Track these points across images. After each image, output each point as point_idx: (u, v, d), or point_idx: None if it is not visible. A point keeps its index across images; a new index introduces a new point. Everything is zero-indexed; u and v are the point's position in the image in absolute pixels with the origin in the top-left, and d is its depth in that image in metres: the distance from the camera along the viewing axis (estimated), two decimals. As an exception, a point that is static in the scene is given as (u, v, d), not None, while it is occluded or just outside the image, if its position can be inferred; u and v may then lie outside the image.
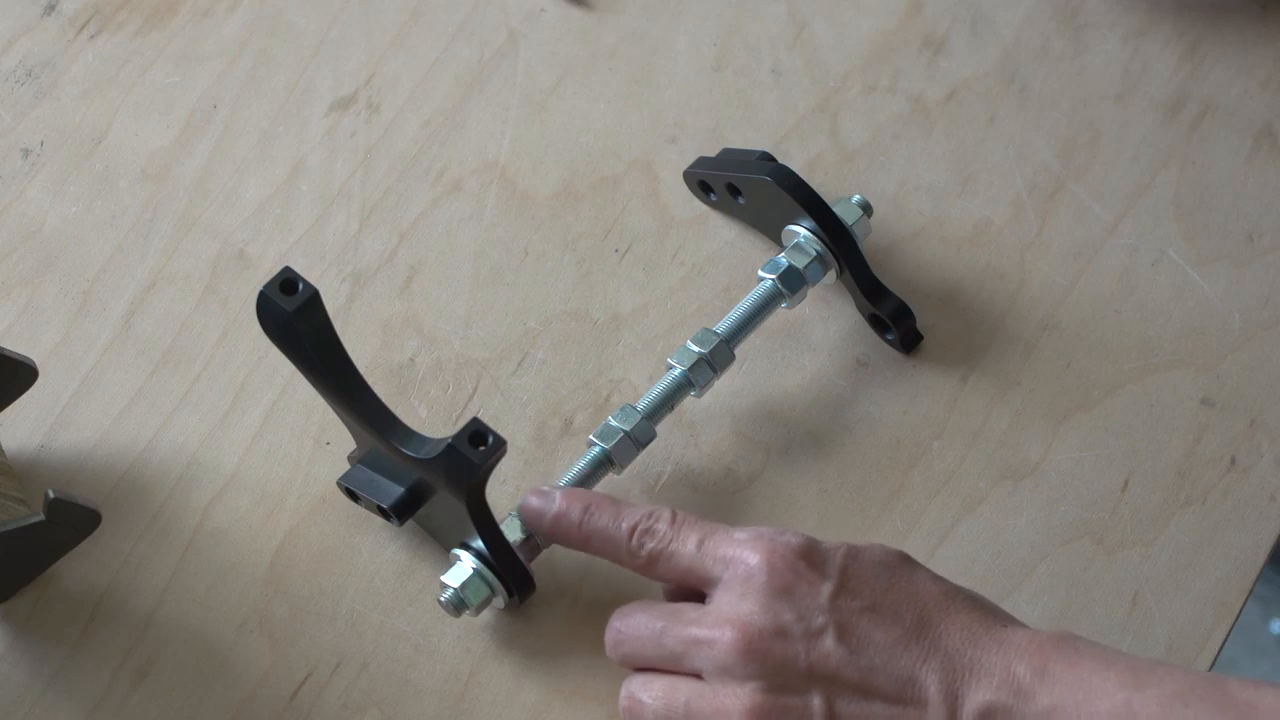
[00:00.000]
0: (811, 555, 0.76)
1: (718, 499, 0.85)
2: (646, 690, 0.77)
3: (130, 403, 0.87)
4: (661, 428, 0.85)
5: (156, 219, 0.91)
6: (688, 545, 0.77)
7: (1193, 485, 0.86)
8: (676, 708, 0.76)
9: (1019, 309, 0.89)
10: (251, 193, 0.92)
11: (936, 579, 0.77)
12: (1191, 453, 0.86)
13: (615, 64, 0.95)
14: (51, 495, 0.77)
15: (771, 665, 0.74)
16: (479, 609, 0.81)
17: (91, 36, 0.96)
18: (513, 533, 0.81)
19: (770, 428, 0.87)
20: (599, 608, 0.82)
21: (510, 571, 0.80)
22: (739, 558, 0.76)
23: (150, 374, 0.88)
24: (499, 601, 0.81)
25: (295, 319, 0.76)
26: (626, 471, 0.84)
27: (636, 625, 0.78)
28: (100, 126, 0.94)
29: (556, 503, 0.80)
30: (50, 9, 0.96)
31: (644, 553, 0.78)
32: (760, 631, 0.75)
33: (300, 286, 0.76)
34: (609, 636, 0.79)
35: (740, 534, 0.77)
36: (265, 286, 0.76)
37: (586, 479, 0.83)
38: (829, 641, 0.74)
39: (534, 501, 0.81)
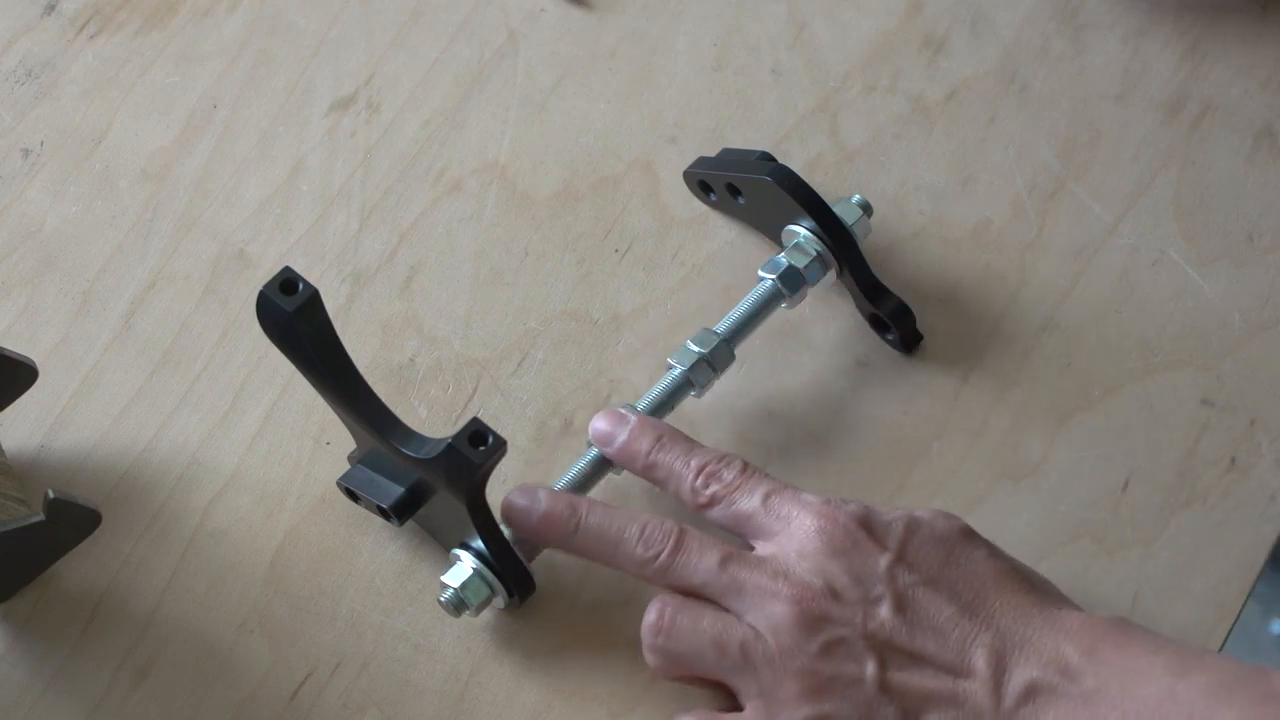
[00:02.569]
0: (871, 524, 0.77)
1: (718, 499, 0.85)
2: (688, 616, 0.77)
3: (130, 403, 0.87)
4: (661, 428, 0.85)
5: (156, 219, 0.91)
6: (753, 497, 0.79)
7: (1193, 485, 0.86)
8: (731, 653, 0.76)
9: (1019, 309, 0.89)
10: (251, 193, 0.92)
11: (994, 556, 0.78)
12: (1191, 453, 0.86)
13: (615, 64, 0.95)
14: (51, 495, 0.77)
15: (828, 628, 0.76)
16: (479, 609, 0.81)
17: (91, 36, 0.96)
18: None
19: (770, 428, 0.87)
20: (599, 608, 0.83)
21: (510, 571, 0.80)
22: (799, 520, 0.78)
23: (150, 374, 0.88)
24: (499, 601, 0.81)
25: (295, 319, 0.76)
26: (626, 472, 0.84)
27: (697, 546, 0.78)
28: (100, 126, 0.94)
29: (629, 428, 0.81)
30: (50, 9, 0.96)
31: (707, 493, 0.80)
32: (816, 593, 0.76)
33: (300, 286, 0.76)
34: (655, 543, 0.78)
35: (807, 496, 0.78)
36: (265, 286, 0.76)
37: (587, 479, 0.83)
38: (885, 610, 0.76)
39: (602, 425, 0.82)
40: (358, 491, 0.82)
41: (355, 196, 0.92)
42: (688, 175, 0.92)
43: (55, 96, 0.94)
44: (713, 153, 0.92)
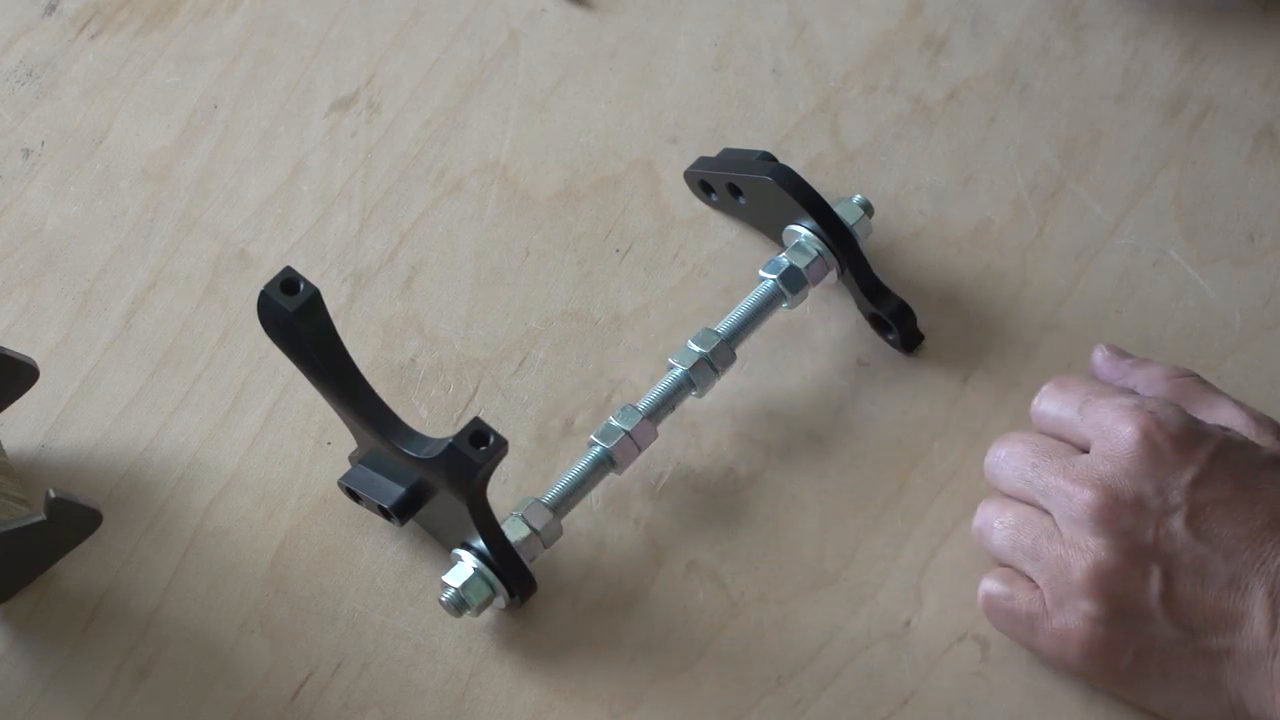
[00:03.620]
0: (1184, 439, 0.78)
1: (718, 499, 0.85)
2: (1000, 517, 0.81)
3: (131, 403, 0.87)
4: (662, 428, 0.85)
5: (157, 219, 0.91)
6: (1068, 407, 0.81)
7: (1194, 485, 0.86)
8: (1023, 544, 0.79)
9: (1020, 309, 0.89)
10: (252, 193, 0.92)
11: None
12: (1192, 453, 0.86)
13: (616, 64, 0.95)
14: (52, 495, 0.77)
15: (1120, 531, 0.77)
16: (480, 609, 0.81)
17: (92, 36, 0.96)
18: (514, 532, 0.81)
19: (771, 428, 0.87)
20: (600, 607, 0.83)
21: (511, 571, 0.80)
22: (1114, 428, 0.79)
23: (151, 374, 0.88)
24: (500, 601, 0.81)
25: (296, 319, 0.76)
26: (627, 471, 0.84)
27: (1015, 454, 0.81)
28: (101, 126, 0.94)
29: None
30: (51, 9, 0.96)
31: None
32: (1118, 498, 0.77)
33: (301, 286, 0.76)
34: (989, 458, 0.82)
35: (1123, 400, 0.80)
36: (266, 286, 0.76)
37: (587, 479, 0.83)
38: (1177, 522, 0.77)
39: None
40: (359, 491, 0.82)
41: (356, 196, 0.92)
42: (688, 175, 0.92)
43: (56, 96, 0.94)
44: (713, 153, 0.92)
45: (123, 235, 0.91)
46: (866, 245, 0.88)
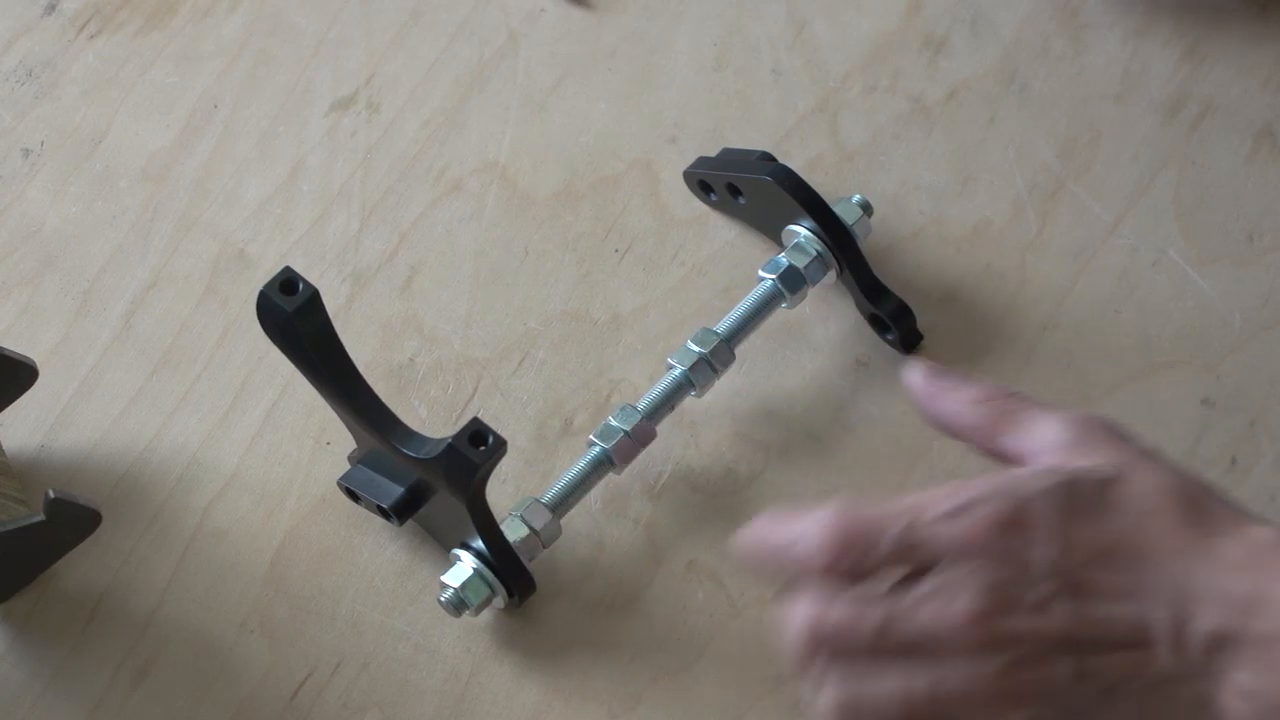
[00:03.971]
0: (1018, 522, 0.71)
1: (718, 499, 0.85)
2: (864, 685, 0.70)
3: (130, 403, 0.87)
4: (662, 428, 0.85)
5: (156, 219, 0.91)
6: (869, 551, 0.71)
7: (1193, 485, 0.86)
8: (918, 697, 0.70)
9: (1019, 309, 0.89)
10: (251, 193, 0.92)
11: (1141, 496, 0.72)
12: (1191, 453, 0.86)
13: (615, 64, 0.95)
14: (51, 495, 0.77)
15: (1005, 645, 0.70)
16: (479, 609, 0.81)
17: (92, 36, 0.96)
18: (513, 532, 0.81)
19: (770, 428, 0.87)
20: (599, 607, 0.83)
21: (510, 571, 0.80)
22: (947, 543, 0.70)
23: (150, 374, 0.88)
24: (499, 601, 0.81)
25: (295, 319, 0.76)
26: (626, 471, 0.84)
27: (840, 618, 0.70)
28: (100, 126, 0.94)
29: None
30: (50, 9, 0.96)
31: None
32: (980, 616, 0.69)
33: (300, 286, 0.76)
34: (792, 627, 0.70)
35: (943, 506, 0.71)
36: (265, 286, 0.76)
37: (586, 479, 0.83)
38: (1059, 605, 0.70)
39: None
40: (358, 491, 0.82)
41: (355, 196, 0.92)
42: (688, 175, 0.92)
43: (55, 96, 0.94)
44: (713, 153, 0.92)
45: (122, 235, 0.91)
46: (865, 245, 0.88)
